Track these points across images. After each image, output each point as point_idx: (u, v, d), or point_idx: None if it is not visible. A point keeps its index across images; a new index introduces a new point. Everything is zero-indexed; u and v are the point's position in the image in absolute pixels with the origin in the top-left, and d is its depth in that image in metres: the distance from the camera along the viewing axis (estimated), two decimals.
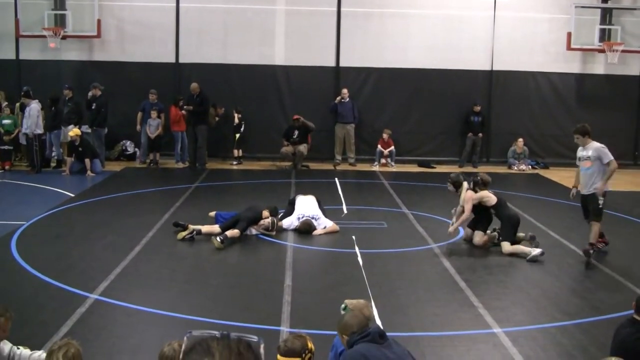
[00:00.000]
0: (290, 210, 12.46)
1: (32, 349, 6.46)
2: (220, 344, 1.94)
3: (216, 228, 11.50)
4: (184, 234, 11.24)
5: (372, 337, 4.88)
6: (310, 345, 4.94)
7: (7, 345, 5.79)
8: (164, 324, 7.79)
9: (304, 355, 4.86)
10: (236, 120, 19.80)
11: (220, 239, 10.93)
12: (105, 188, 15.72)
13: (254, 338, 1.99)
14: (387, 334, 5.01)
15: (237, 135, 19.88)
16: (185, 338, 1.98)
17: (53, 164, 18.53)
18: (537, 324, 7.99)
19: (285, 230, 12.09)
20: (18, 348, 5.86)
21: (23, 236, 11.25)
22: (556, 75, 20.92)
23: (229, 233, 11.21)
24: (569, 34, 20.21)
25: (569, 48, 20.37)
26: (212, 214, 12.27)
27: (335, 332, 7.26)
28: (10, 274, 9.30)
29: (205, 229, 11.48)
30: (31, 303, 8.16)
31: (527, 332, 7.75)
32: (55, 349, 5.00)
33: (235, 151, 20.03)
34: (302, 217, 12.13)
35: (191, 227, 11.44)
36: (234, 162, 19.99)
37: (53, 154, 18.70)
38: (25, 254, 10.13)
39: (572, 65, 20.90)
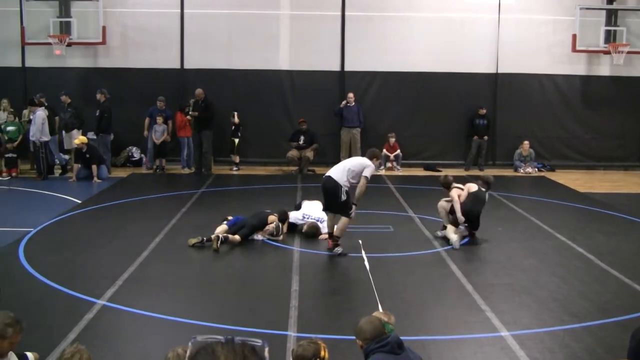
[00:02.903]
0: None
1: (40, 355, 6.48)
2: (225, 348, 1.95)
3: (224, 228, 11.54)
4: (194, 240, 11.21)
5: (390, 347, 4.78)
6: (323, 353, 4.88)
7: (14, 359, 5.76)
8: (171, 329, 7.80)
9: None
10: (235, 123, 19.80)
11: (221, 238, 11.00)
12: (112, 194, 15.76)
13: (259, 342, 2.00)
14: None
15: (237, 141, 19.89)
16: (189, 344, 1.99)
17: (58, 171, 18.57)
18: (545, 327, 7.97)
19: (293, 224, 12.22)
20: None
21: (30, 243, 11.28)
22: (561, 77, 20.90)
23: (230, 237, 11.24)
24: (574, 36, 20.20)
25: (574, 50, 20.36)
26: (230, 218, 12.24)
27: (343, 337, 7.28)
28: (17, 281, 9.33)
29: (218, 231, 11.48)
30: (38, 309, 8.18)
31: (534, 335, 7.73)
32: (67, 357, 4.99)
33: (233, 156, 20.03)
34: (308, 218, 12.15)
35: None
36: (234, 168, 19.98)
37: (56, 160, 18.75)
38: (32, 261, 10.16)
39: (577, 67, 20.89)
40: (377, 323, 5.03)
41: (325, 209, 11.43)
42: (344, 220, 10.99)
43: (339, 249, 10.97)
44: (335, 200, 11.01)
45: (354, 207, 11.05)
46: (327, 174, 11.20)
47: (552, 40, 20.64)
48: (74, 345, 5.17)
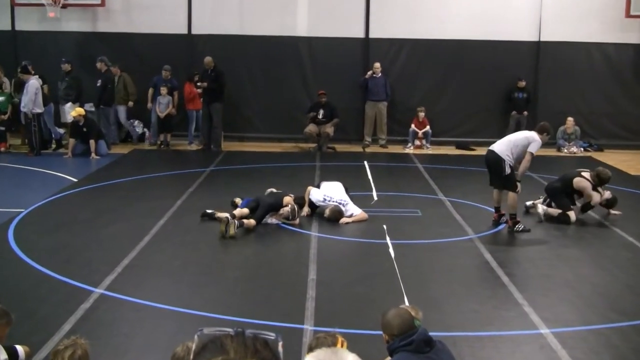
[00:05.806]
0: None
1: (31, 348, 6.55)
2: (235, 341, 1.95)
3: (245, 211, 11.57)
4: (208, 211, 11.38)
5: (415, 345, 4.77)
6: (340, 346, 4.94)
7: (2, 354, 5.82)
8: (176, 320, 7.85)
9: None
10: None
11: (237, 223, 10.97)
12: (112, 172, 15.83)
13: (272, 335, 2.00)
14: None
15: None
16: (196, 337, 1.99)
17: (54, 146, 18.60)
18: (589, 325, 7.94)
19: (312, 205, 12.24)
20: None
21: (21, 225, 11.36)
22: (612, 47, 20.62)
23: (245, 221, 11.24)
24: None
25: (627, 15, 20.08)
26: (239, 200, 12.28)
27: (364, 331, 7.29)
28: (7, 266, 9.41)
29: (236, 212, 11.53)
30: (31, 298, 8.25)
31: (577, 333, 7.71)
32: (61, 348, 5.06)
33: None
34: (329, 200, 12.14)
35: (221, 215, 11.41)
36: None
37: (60, 132, 18.79)
38: (23, 245, 10.23)
39: (630, 34, 20.58)
40: (406, 317, 5.02)
41: (490, 184, 12.03)
42: (511, 195, 11.58)
43: (519, 226, 11.60)
44: (499, 174, 11.69)
45: (518, 184, 11.61)
46: (490, 147, 11.90)
47: (603, 4, 20.33)
48: (72, 337, 5.22)
